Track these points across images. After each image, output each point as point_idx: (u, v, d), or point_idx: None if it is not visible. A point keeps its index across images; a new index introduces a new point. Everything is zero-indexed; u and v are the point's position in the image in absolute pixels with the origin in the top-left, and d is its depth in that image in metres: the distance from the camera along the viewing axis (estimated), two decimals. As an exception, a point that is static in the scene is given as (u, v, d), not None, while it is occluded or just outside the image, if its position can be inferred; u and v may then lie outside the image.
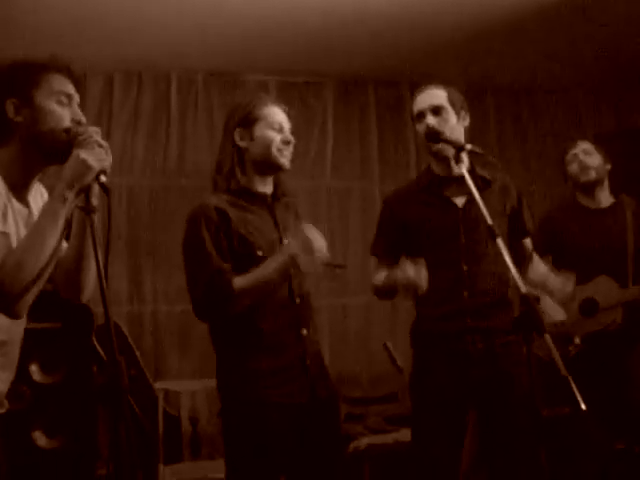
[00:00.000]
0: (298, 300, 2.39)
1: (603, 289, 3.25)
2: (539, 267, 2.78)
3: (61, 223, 1.74)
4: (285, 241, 2.36)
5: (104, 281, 1.63)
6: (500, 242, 2.02)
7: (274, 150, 2.40)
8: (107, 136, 4.62)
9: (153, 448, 3.96)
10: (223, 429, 2.37)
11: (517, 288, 1.90)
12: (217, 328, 2.41)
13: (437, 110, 2.66)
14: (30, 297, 1.73)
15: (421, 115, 2.68)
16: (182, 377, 4.60)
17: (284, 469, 2.37)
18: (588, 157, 3.43)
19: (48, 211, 1.75)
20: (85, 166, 1.74)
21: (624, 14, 4.31)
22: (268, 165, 2.42)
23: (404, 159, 5.28)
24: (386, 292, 2.68)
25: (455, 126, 2.66)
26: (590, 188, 3.44)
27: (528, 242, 2.83)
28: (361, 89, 5.34)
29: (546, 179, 5.52)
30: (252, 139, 2.42)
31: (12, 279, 1.67)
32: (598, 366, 3.22)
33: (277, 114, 2.46)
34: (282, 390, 2.31)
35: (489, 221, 2.06)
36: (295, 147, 5.16)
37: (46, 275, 1.73)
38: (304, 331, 2.38)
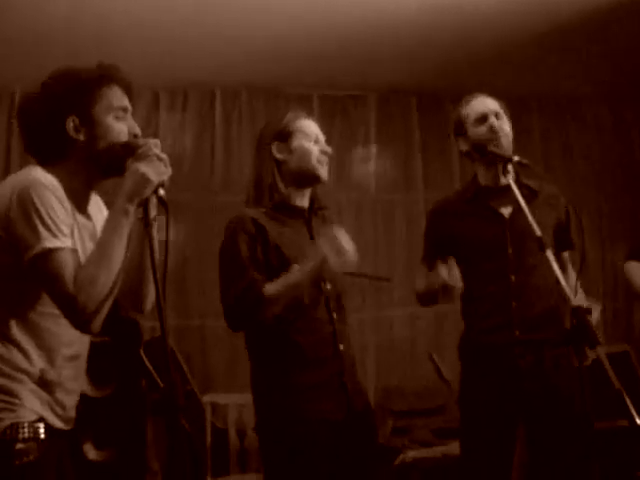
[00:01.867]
0: (335, 315, 2.38)
1: None
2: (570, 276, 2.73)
3: (126, 236, 1.74)
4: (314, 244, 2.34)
5: (162, 295, 1.63)
6: (549, 253, 2.00)
7: (314, 161, 2.41)
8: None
9: (201, 462, 3.98)
10: (260, 444, 2.37)
11: (568, 300, 1.87)
12: (254, 342, 2.40)
13: (498, 114, 2.68)
14: (105, 312, 1.73)
15: (483, 118, 2.66)
16: (230, 391, 4.62)
17: None
18: None
19: (113, 225, 1.75)
20: (145, 179, 1.74)
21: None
22: (307, 177, 2.43)
23: (447, 170, 5.26)
24: (426, 297, 2.66)
25: (509, 134, 2.67)
26: None
27: (566, 255, 2.78)
28: (403, 101, 5.34)
29: (591, 189, 5.45)
30: (290, 152, 2.43)
31: (87, 296, 1.67)
32: None
33: (312, 126, 2.48)
34: (320, 406, 2.29)
35: (538, 232, 2.04)
36: (340, 160, 5.21)
37: (117, 289, 1.74)
38: (341, 346, 2.36)
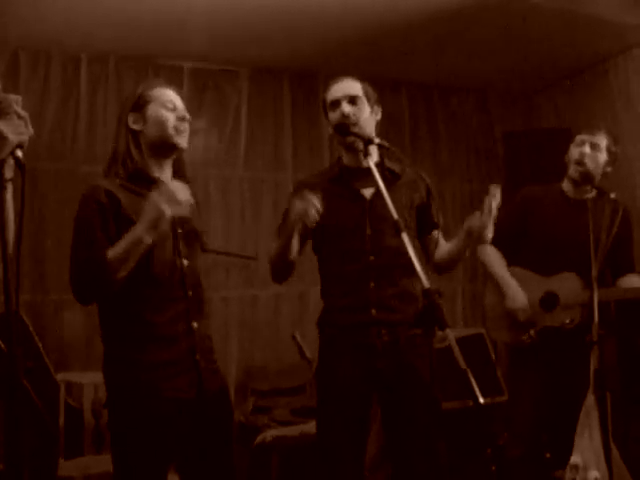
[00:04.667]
0: (190, 293, 2.34)
1: (567, 286, 3.16)
2: (443, 247, 2.78)
3: None
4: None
5: (13, 263, 1.55)
6: (405, 237, 2.02)
7: (169, 129, 2.34)
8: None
9: (53, 441, 3.84)
10: (109, 421, 2.30)
11: (421, 282, 1.90)
12: (106, 318, 2.32)
13: (353, 100, 2.68)
14: None
15: (336, 103, 2.68)
16: (87, 369, 4.47)
17: (171, 463, 2.33)
18: (593, 151, 3.22)
19: None
20: (2, 138, 1.63)
21: (538, 21, 4.43)
22: (164, 146, 2.36)
23: (317, 151, 5.29)
24: (279, 256, 2.63)
25: (368, 118, 2.69)
26: (578, 180, 3.26)
27: (436, 233, 2.83)
28: (276, 79, 5.31)
29: (456, 175, 5.65)
30: (145, 121, 2.35)
31: None
32: (545, 362, 3.20)
33: (169, 94, 2.40)
34: (171, 384, 2.25)
35: (395, 215, 2.06)
36: (208, 135, 5.12)
37: None
38: (194, 324, 2.33)
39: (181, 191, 2.18)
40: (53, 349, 4.46)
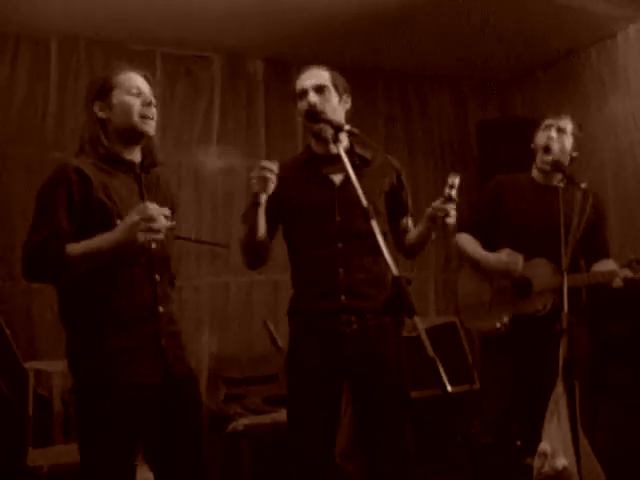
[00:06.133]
0: (158, 277, 2.31)
1: (540, 272, 3.15)
2: (412, 232, 2.80)
3: None
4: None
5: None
6: (374, 223, 2.01)
7: (135, 116, 2.30)
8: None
9: (22, 430, 3.80)
10: (75, 407, 2.27)
11: (389, 269, 1.89)
12: (67, 303, 2.28)
13: (320, 89, 2.67)
14: None
15: (304, 93, 2.68)
16: (56, 357, 4.42)
17: (138, 449, 2.30)
18: (560, 135, 3.23)
19: None
20: None
21: (513, 9, 4.43)
22: (131, 133, 2.32)
23: (291, 137, 5.25)
24: (247, 237, 2.61)
25: (336, 107, 2.68)
26: (547, 169, 3.24)
27: (406, 220, 2.84)
28: (250, 65, 5.27)
29: (430, 164, 5.65)
30: (111, 108, 2.31)
31: None
32: (517, 350, 3.18)
33: (134, 79, 2.36)
34: (134, 369, 2.22)
35: (364, 202, 2.05)
36: (181, 121, 5.07)
37: None
38: (160, 308, 2.30)
39: (159, 213, 2.11)
40: (22, 337, 4.41)
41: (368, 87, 5.52)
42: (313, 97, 2.64)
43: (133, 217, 2.10)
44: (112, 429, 2.18)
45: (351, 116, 2.76)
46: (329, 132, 2.55)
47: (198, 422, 2.44)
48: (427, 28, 4.72)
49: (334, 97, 2.68)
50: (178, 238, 3.95)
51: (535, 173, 3.34)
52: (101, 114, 2.32)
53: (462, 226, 3.28)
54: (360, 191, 2.08)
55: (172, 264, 2.42)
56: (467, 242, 3.37)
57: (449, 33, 4.81)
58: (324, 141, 2.67)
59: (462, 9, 4.43)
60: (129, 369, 2.21)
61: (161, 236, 2.13)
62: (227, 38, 4.85)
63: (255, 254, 2.68)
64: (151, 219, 2.09)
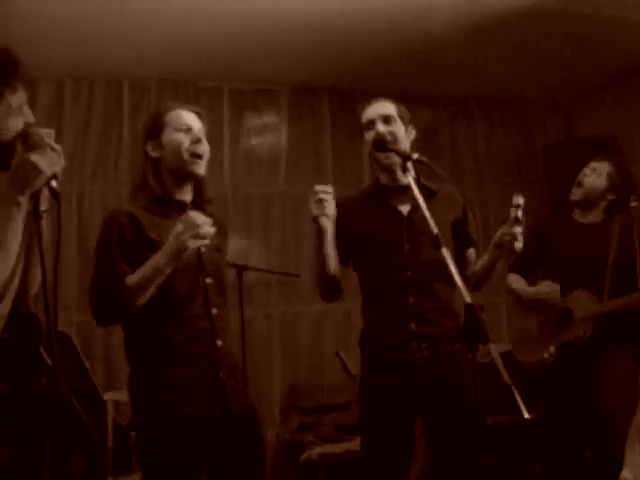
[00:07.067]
0: (215, 311, 2.32)
1: (580, 301, 3.29)
2: (477, 263, 2.82)
3: (20, 228, 1.69)
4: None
5: (49, 290, 1.60)
6: (445, 251, 2.01)
7: (184, 155, 2.31)
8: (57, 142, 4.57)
9: (102, 460, 3.89)
10: (136, 441, 2.31)
11: (462, 297, 1.89)
12: (130, 338, 2.33)
13: (387, 119, 2.70)
14: (7, 305, 1.70)
15: (371, 123, 2.71)
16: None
17: None
18: (587, 177, 3.43)
19: (5, 216, 1.68)
20: (36, 170, 1.69)
21: (575, 31, 4.42)
22: (182, 172, 2.33)
23: (358, 168, 5.30)
24: (317, 269, 2.63)
25: (403, 137, 2.71)
26: (579, 205, 3.47)
27: (471, 252, 2.84)
28: (315, 98, 5.36)
29: (498, 191, 5.59)
30: (162, 147, 2.34)
31: None
32: (568, 376, 3.29)
33: (184, 116, 2.36)
34: (192, 401, 2.23)
35: (434, 230, 2.05)
36: (249, 155, 5.16)
37: (15, 282, 1.69)
38: (219, 342, 2.31)
39: (203, 221, 2.16)
40: (101, 369, 4.54)
41: (433, 114, 5.54)
42: (381, 127, 2.67)
43: (178, 227, 2.15)
44: (172, 461, 2.19)
45: (412, 147, 2.77)
46: (397, 161, 2.57)
47: (259, 455, 2.43)
48: (489, 51, 4.71)
49: (400, 127, 2.71)
50: (249, 269, 4.03)
51: (575, 212, 3.51)
52: (154, 153, 2.34)
53: (511, 266, 3.49)
54: (430, 219, 2.09)
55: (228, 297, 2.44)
56: (515, 281, 3.54)
57: (514, 55, 4.79)
58: (391, 172, 2.71)
59: (527, 31, 4.42)
60: (189, 401, 2.22)
61: (207, 242, 2.18)
62: (294, 71, 4.94)
63: (328, 287, 2.70)
64: (196, 226, 2.13)
